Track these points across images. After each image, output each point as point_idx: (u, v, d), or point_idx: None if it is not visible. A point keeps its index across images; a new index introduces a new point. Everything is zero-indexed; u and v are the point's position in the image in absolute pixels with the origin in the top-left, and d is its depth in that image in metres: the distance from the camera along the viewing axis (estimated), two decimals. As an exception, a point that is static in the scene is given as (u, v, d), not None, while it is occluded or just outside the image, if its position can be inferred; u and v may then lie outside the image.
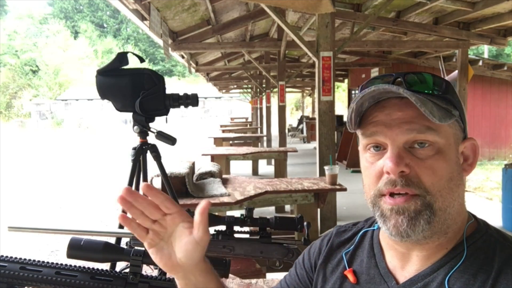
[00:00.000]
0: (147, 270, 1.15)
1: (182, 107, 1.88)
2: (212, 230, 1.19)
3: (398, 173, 0.62)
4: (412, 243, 0.66)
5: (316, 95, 3.96)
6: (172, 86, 29.44)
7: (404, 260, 0.69)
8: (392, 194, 0.64)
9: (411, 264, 0.68)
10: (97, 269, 0.82)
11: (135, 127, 1.88)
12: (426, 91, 0.65)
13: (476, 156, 0.69)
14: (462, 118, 0.68)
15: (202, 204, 0.65)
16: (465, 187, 0.68)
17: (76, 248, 0.83)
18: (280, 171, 6.45)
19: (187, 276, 0.67)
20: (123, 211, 0.64)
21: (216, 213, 1.23)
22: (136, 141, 1.96)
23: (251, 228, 1.18)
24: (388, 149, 0.65)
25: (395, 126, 0.64)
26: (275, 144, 10.65)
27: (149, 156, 1.97)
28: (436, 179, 0.63)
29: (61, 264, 0.81)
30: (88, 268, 0.81)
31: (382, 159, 0.65)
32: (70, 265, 0.81)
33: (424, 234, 0.63)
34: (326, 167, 3.24)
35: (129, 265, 0.83)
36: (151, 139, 1.95)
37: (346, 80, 13.94)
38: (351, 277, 0.74)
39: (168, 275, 0.88)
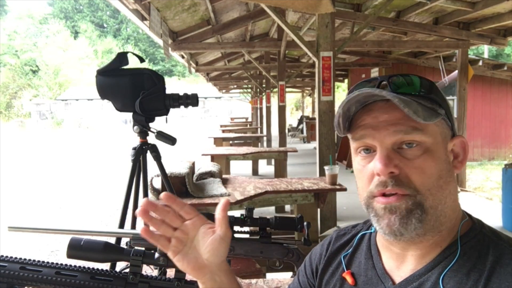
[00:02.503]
0: (147, 270, 1.16)
1: (182, 107, 1.88)
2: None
3: (387, 174, 0.64)
4: (407, 242, 0.67)
5: (316, 95, 3.96)
6: (172, 86, 29.49)
7: (399, 261, 0.71)
8: (384, 194, 0.65)
9: (407, 264, 0.70)
10: (97, 269, 0.81)
11: (135, 127, 1.88)
12: (412, 93, 0.66)
13: (466, 153, 0.70)
14: (448, 116, 0.69)
15: (222, 201, 0.69)
16: (456, 184, 0.69)
17: (76, 248, 0.82)
18: (280, 171, 6.45)
19: (213, 278, 0.69)
20: (145, 224, 0.67)
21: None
22: (136, 141, 1.96)
23: (251, 228, 1.18)
24: (377, 151, 0.66)
25: (382, 128, 0.65)
26: (275, 144, 10.65)
27: (149, 156, 1.97)
28: (425, 178, 0.64)
29: (61, 264, 0.81)
30: (88, 268, 0.81)
31: (372, 161, 0.67)
32: (70, 265, 0.81)
33: (417, 232, 0.64)
34: (326, 167, 3.24)
35: (129, 265, 0.83)
36: (151, 139, 1.95)
37: (346, 80, 13.94)
38: (349, 279, 0.76)
39: (168, 275, 0.88)
